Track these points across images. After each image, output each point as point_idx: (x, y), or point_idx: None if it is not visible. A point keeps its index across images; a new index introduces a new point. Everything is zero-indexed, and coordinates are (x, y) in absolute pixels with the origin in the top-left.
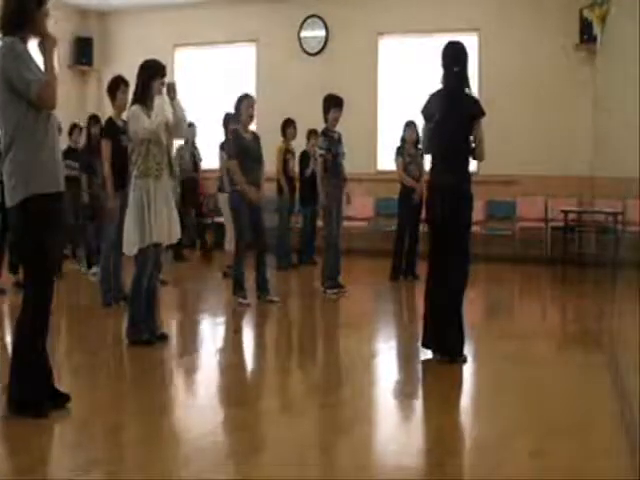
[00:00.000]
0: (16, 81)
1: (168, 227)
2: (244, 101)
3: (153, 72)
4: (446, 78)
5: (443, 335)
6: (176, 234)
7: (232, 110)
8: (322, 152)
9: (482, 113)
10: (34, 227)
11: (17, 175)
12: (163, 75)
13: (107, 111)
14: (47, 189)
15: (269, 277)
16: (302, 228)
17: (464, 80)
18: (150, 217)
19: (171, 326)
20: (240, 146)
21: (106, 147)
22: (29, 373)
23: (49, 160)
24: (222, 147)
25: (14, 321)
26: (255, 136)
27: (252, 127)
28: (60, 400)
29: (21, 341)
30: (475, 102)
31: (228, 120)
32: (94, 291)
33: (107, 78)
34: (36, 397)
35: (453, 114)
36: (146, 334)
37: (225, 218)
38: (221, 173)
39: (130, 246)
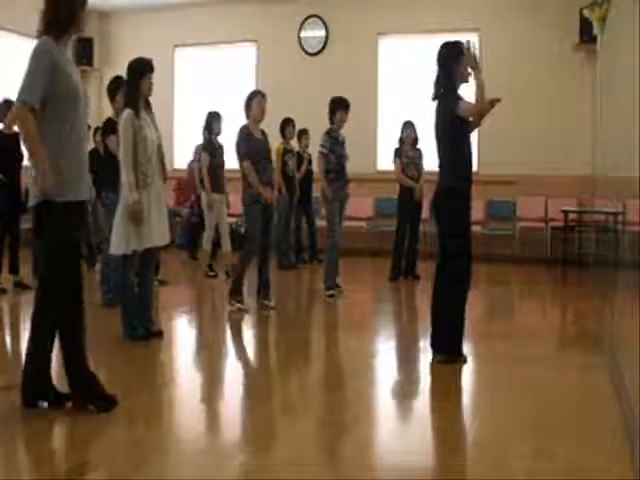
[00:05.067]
0: (21, 83)
1: (160, 230)
2: (256, 97)
3: (140, 70)
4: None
5: (443, 335)
6: (167, 235)
7: (216, 109)
8: (324, 151)
9: (456, 101)
10: (48, 231)
11: (36, 178)
12: (151, 71)
13: (107, 112)
14: (62, 197)
15: (270, 280)
16: (298, 228)
17: (444, 81)
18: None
19: (170, 326)
20: (253, 145)
21: (113, 142)
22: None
23: (69, 168)
24: (204, 148)
25: (14, 321)
26: (264, 134)
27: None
28: (59, 400)
29: (33, 337)
30: (448, 99)
31: (211, 120)
32: (94, 290)
33: (108, 78)
34: (35, 387)
35: (435, 117)
36: (141, 330)
37: (205, 216)
38: (201, 174)
39: (116, 247)
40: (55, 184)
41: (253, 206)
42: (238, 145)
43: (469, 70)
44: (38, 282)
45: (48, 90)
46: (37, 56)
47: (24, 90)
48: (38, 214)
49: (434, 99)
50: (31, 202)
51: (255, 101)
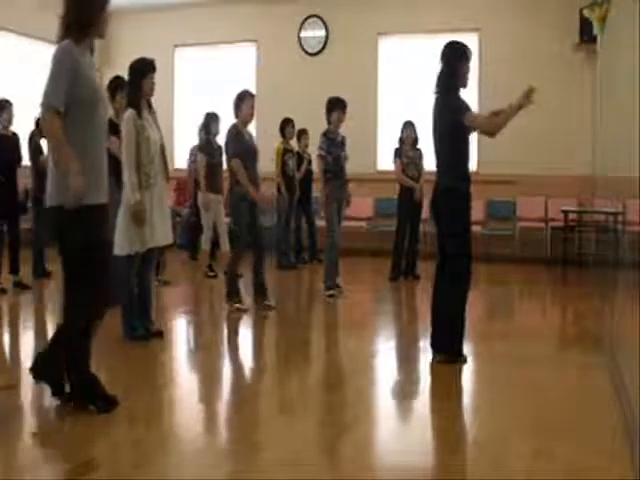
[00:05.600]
0: (45, 87)
1: (162, 230)
2: (246, 98)
3: (142, 70)
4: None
5: (443, 335)
6: (170, 235)
7: (214, 110)
8: (322, 153)
9: (463, 110)
10: (69, 235)
11: (52, 182)
12: (153, 71)
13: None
14: (83, 201)
15: (266, 281)
16: (298, 228)
17: (445, 80)
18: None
19: (170, 326)
20: (242, 145)
21: (114, 143)
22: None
23: (90, 171)
24: (201, 148)
25: (14, 321)
26: (250, 135)
27: (252, 127)
28: (61, 394)
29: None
30: (453, 103)
31: (209, 121)
32: None
33: (107, 78)
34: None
35: (435, 116)
36: (141, 330)
37: (202, 217)
38: (198, 173)
39: (120, 248)
40: (84, 185)
41: (240, 204)
42: (227, 144)
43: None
44: (65, 285)
45: (70, 93)
46: (59, 59)
47: (48, 94)
48: (58, 217)
49: (436, 94)
50: (48, 202)
51: (245, 102)
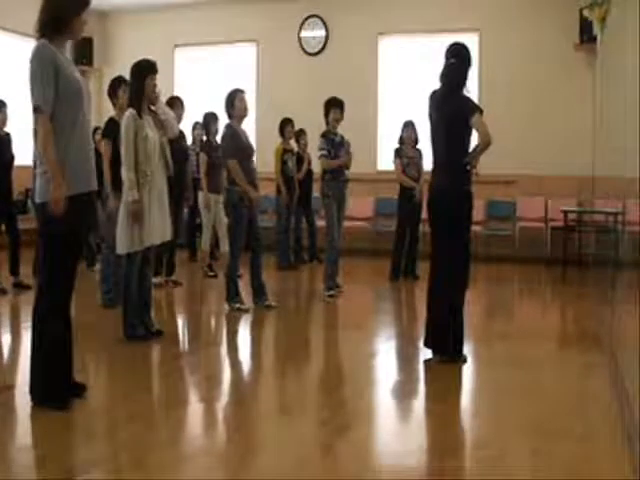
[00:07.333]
0: (30, 88)
1: (161, 228)
2: (237, 95)
3: (145, 71)
4: (441, 75)
5: (442, 335)
6: (169, 233)
7: (213, 110)
8: (324, 153)
9: (475, 110)
10: (51, 226)
11: (40, 180)
12: (154, 72)
13: (107, 111)
14: (68, 192)
15: (264, 281)
16: (297, 228)
17: (459, 76)
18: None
19: (170, 325)
20: (238, 145)
21: (107, 147)
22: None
23: (74, 162)
24: (202, 148)
25: (14, 321)
26: (246, 133)
27: (252, 127)
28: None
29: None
30: (467, 101)
31: (209, 120)
32: (94, 290)
33: (107, 78)
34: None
35: (443, 113)
36: (141, 330)
37: (203, 217)
38: (200, 173)
39: (121, 247)
40: (63, 195)
41: (238, 204)
42: (223, 144)
43: None
44: (39, 282)
45: (54, 91)
46: (38, 60)
47: (38, 98)
48: (43, 211)
49: (449, 92)
50: (38, 200)
51: (238, 99)
